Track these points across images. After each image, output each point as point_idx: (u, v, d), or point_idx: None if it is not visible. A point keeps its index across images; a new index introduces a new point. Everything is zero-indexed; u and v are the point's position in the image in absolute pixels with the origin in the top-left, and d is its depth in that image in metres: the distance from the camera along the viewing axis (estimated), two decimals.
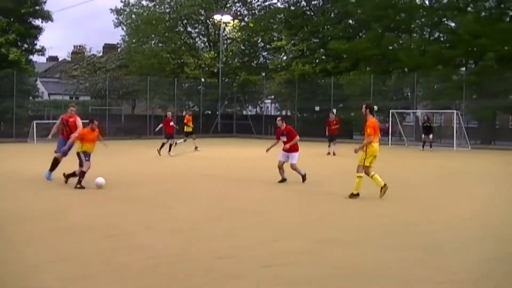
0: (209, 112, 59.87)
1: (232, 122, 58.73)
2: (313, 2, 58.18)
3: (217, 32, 60.21)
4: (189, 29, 62.69)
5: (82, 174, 16.35)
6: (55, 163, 17.95)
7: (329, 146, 32.12)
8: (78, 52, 68.39)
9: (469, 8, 48.48)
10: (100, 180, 16.16)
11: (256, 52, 62.54)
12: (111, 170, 17.70)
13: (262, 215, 12.60)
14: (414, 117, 49.74)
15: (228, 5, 61.23)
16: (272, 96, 61.09)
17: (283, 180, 18.04)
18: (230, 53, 60.85)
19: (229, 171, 22.39)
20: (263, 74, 59.53)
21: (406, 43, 50.77)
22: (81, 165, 16.45)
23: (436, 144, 38.90)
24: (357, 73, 50.09)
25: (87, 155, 16.64)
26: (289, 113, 58.69)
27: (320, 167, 21.05)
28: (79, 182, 16.22)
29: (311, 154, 28.77)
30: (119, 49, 66.27)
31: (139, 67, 56.40)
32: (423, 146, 37.37)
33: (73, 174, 16.78)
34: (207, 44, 62.88)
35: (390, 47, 50.05)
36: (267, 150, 18.72)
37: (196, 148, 33.07)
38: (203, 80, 57.87)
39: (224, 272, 8.00)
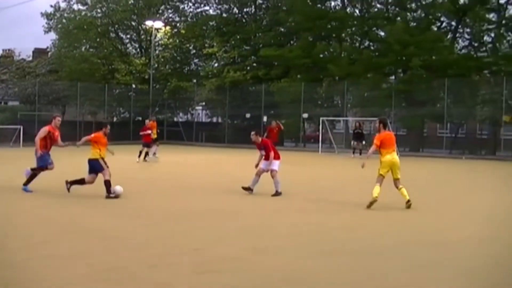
0: (140, 118, 57.96)
1: (162, 128, 56.54)
2: (245, 10, 57.46)
3: (148, 38, 58.40)
4: (120, 34, 60.87)
5: (109, 183, 15.47)
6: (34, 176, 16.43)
7: None
8: (7, 56, 65.45)
9: (398, 18, 48.35)
10: (119, 188, 15.54)
11: (188, 59, 61.09)
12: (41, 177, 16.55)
13: (195, 222, 12.26)
14: (344, 124, 49.24)
15: (160, 12, 59.54)
16: (203, 103, 59.70)
17: (249, 189, 16.65)
18: (162, 60, 59.23)
19: (161, 179, 21.37)
20: (194, 80, 57.72)
21: (336, 51, 50.31)
22: (98, 172, 15.76)
23: (366, 152, 38.19)
24: (288, 81, 49.39)
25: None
26: (220, 120, 57.74)
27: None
28: (109, 191, 15.38)
29: (244, 161, 28.10)
30: (49, 54, 63.93)
31: (69, 73, 54.34)
32: (353, 153, 36.68)
33: (80, 181, 15.91)
34: (138, 50, 61.19)
35: (321, 55, 49.47)
36: (256, 166, 16.92)
37: (154, 154, 30.92)
38: (134, 86, 56.11)
39: (155, 280, 7.73)
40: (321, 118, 42.48)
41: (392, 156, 14.71)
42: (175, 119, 59.13)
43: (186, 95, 58.12)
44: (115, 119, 58.99)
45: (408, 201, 14.45)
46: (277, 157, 16.81)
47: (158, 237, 10.50)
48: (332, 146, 43.82)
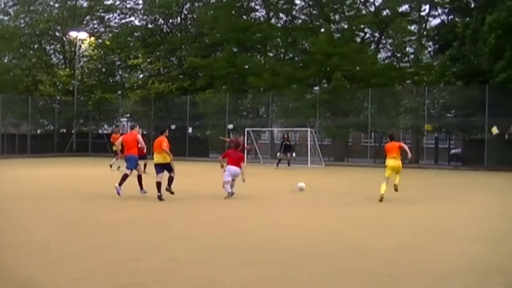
0: (64, 130, 55.49)
1: (87, 140, 54.37)
2: (170, 21, 55.44)
3: (73, 49, 55.75)
4: (44, 45, 57.72)
5: (172, 179, 17.32)
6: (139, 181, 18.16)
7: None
8: None
9: (322, 29, 47.70)
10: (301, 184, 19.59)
11: (113, 70, 58.29)
12: None
13: (118, 234, 11.57)
14: (270, 135, 48.24)
15: (84, 22, 56.90)
16: (128, 115, 57.17)
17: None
18: (86, 71, 56.64)
19: (85, 190, 19.94)
20: (119, 92, 55.69)
21: (260, 63, 49.11)
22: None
23: (291, 162, 37.13)
24: (213, 91, 47.67)
25: None
26: (145, 132, 55.83)
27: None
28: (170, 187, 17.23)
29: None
30: None
31: None
32: (277, 164, 35.49)
33: (169, 181, 17.24)
34: (62, 61, 58.08)
35: (246, 66, 48.27)
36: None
37: (118, 167, 28.90)
38: (58, 97, 53.32)
39: None
40: (246, 129, 41.01)
41: (391, 161, 17.66)
42: (100, 131, 56.51)
43: (111, 107, 55.50)
44: (39, 131, 56.38)
45: (395, 188, 17.56)
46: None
47: (79, 251, 9.78)
48: (257, 157, 42.60)
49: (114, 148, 29.86)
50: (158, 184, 16.72)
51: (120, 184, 17.14)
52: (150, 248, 10.18)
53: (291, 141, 38.45)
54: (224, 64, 46.50)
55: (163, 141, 17.14)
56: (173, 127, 48.66)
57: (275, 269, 8.64)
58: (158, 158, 17.07)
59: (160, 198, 16.60)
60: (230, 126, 44.59)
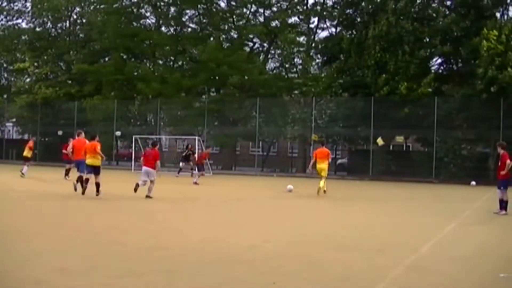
0: None
1: None
2: (59, 25, 52.32)
3: None
4: None
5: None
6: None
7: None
8: None
9: (211, 38, 46.34)
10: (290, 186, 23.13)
11: None
12: None
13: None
14: (158, 142, 46.48)
15: None
16: (14, 120, 53.84)
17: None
18: None
19: None
20: (5, 96, 52.14)
21: (148, 70, 47.10)
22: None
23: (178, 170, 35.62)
24: (101, 98, 44.93)
25: None
26: (31, 137, 52.85)
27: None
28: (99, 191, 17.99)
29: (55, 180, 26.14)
30: None
31: None
32: (178, 172, 34.27)
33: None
34: None
35: (135, 73, 46.21)
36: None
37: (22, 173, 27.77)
38: None
39: None
40: (134, 136, 38.77)
41: (321, 164, 21.47)
42: None
43: None
44: None
45: (323, 190, 21.38)
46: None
47: None
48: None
49: (24, 154, 29.05)
50: (86, 180, 17.82)
51: (77, 182, 18.45)
52: (33, 257, 9.20)
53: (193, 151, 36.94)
54: (112, 70, 44.17)
55: (96, 146, 17.93)
56: (60, 133, 45.82)
57: (158, 278, 7.99)
58: (90, 161, 17.84)
59: (83, 193, 17.74)
60: (118, 133, 42.26)
